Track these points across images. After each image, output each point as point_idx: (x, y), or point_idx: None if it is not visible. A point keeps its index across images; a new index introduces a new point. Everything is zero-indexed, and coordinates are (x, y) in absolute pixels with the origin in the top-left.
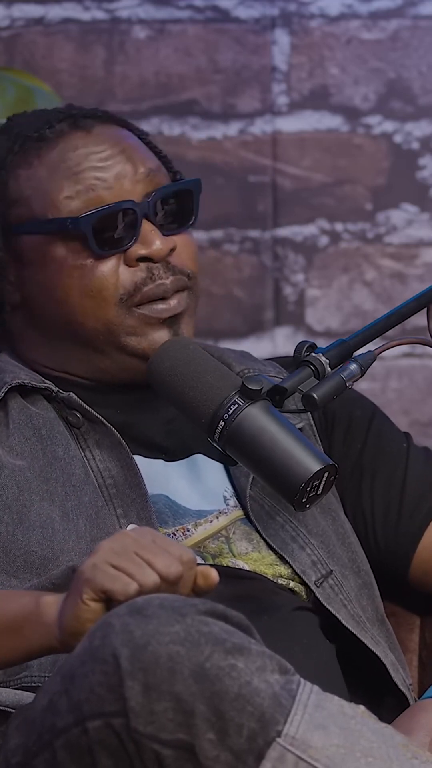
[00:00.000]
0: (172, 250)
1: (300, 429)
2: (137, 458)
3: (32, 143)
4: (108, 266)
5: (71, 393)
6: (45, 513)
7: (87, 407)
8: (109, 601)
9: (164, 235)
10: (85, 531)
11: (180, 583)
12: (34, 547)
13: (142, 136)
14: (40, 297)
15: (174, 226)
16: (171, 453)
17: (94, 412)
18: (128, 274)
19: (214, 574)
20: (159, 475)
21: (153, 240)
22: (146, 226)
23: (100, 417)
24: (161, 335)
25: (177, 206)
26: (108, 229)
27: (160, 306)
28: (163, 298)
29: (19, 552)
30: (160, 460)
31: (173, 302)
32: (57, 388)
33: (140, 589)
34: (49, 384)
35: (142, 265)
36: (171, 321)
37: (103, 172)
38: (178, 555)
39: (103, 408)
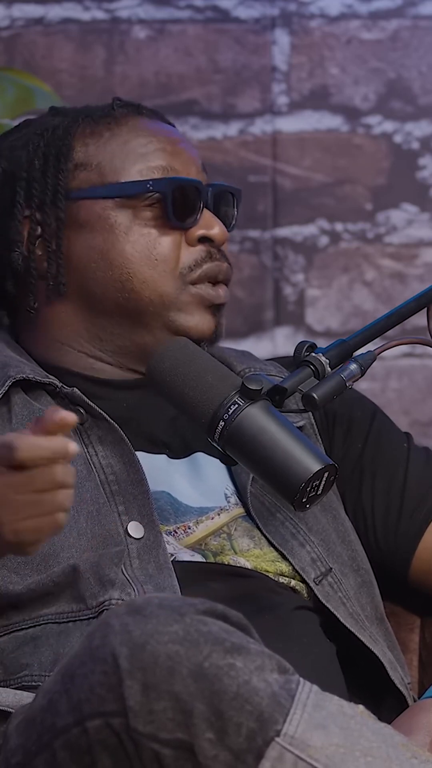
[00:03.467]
0: (226, 240)
1: (300, 428)
2: (140, 454)
3: (99, 118)
4: (173, 239)
5: (75, 388)
6: None
7: (90, 403)
8: None
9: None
10: (86, 527)
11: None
12: None
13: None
14: (91, 263)
15: (224, 224)
16: (174, 449)
17: (98, 408)
18: (189, 252)
19: (67, 417)
20: (161, 472)
21: (214, 224)
22: (206, 212)
23: (104, 413)
24: (207, 319)
25: (227, 206)
26: (179, 204)
27: (214, 292)
28: (215, 281)
29: None
30: (163, 456)
31: (221, 292)
32: (61, 384)
33: (65, 511)
34: (53, 379)
35: (201, 246)
36: (216, 309)
37: (175, 155)
38: (17, 458)
39: (107, 403)
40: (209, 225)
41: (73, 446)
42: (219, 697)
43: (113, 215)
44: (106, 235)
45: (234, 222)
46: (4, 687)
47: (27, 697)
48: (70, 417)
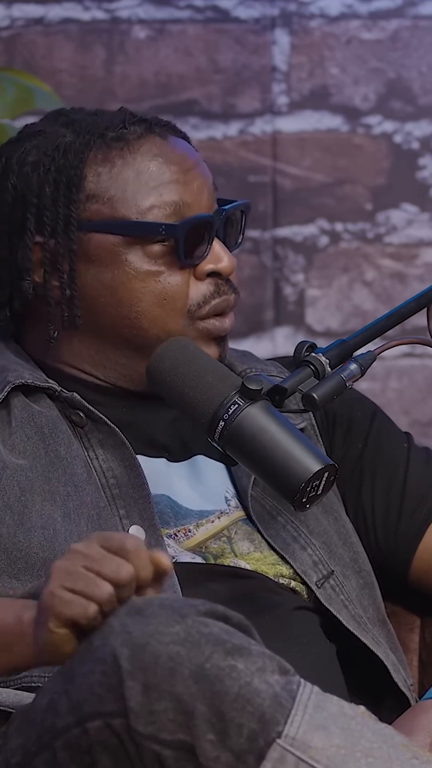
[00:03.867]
0: (234, 269)
1: (302, 429)
2: (139, 458)
3: (111, 142)
4: (182, 277)
5: (74, 393)
6: (47, 513)
7: (90, 407)
8: (75, 624)
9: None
10: (87, 531)
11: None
12: (35, 549)
13: (198, 151)
14: (100, 298)
15: (233, 245)
16: (173, 453)
17: (98, 412)
18: (198, 287)
19: (165, 559)
20: (161, 476)
21: (222, 256)
22: (216, 243)
23: (104, 417)
24: (212, 351)
25: (237, 225)
26: (190, 241)
27: (220, 324)
28: (222, 314)
29: (20, 554)
30: (163, 460)
31: (227, 321)
32: (60, 387)
33: (99, 606)
34: (52, 383)
35: (210, 279)
36: (221, 340)
37: (187, 186)
38: (121, 546)
39: (107, 407)
40: (218, 259)
41: (156, 591)
42: (220, 698)
43: (123, 252)
44: (115, 272)
45: (242, 236)
46: (4, 687)
47: (27, 697)
48: (167, 565)
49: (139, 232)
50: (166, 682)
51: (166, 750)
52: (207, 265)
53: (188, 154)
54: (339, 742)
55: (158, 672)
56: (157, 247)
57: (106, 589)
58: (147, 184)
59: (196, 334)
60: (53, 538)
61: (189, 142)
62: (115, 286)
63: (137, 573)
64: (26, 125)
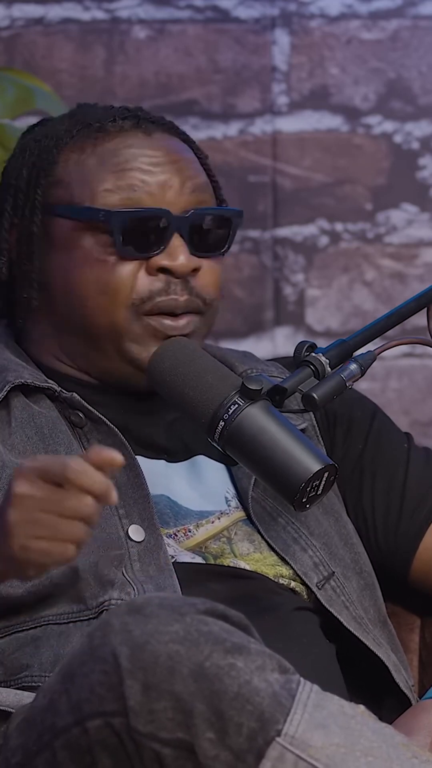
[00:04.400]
0: (195, 270)
1: (303, 429)
2: (139, 459)
3: (91, 131)
4: (129, 268)
5: (74, 393)
6: None
7: (89, 407)
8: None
9: (193, 254)
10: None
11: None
12: None
13: (200, 154)
14: (59, 282)
15: (205, 249)
16: (172, 454)
17: (97, 413)
18: (146, 281)
19: (114, 456)
20: (160, 476)
21: (178, 255)
22: (176, 241)
23: (103, 417)
24: None
25: (213, 231)
26: (138, 233)
27: (168, 322)
28: (173, 314)
29: None
30: (162, 461)
31: (182, 322)
32: (60, 388)
33: (77, 545)
34: (52, 384)
35: (162, 276)
36: None
37: (150, 176)
38: (63, 477)
39: (106, 408)
40: (172, 256)
41: (114, 496)
42: (219, 697)
43: (78, 237)
44: (69, 256)
45: (227, 246)
46: (4, 687)
47: (27, 697)
48: (117, 457)
49: (85, 217)
50: (165, 681)
51: (165, 749)
52: (160, 261)
53: (168, 151)
54: (339, 741)
55: (158, 671)
56: (105, 235)
57: (78, 528)
58: (107, 170)
59: (141, 330)
60: None
61: (190, 143)
62: (67, 271)
63: (94, 492)
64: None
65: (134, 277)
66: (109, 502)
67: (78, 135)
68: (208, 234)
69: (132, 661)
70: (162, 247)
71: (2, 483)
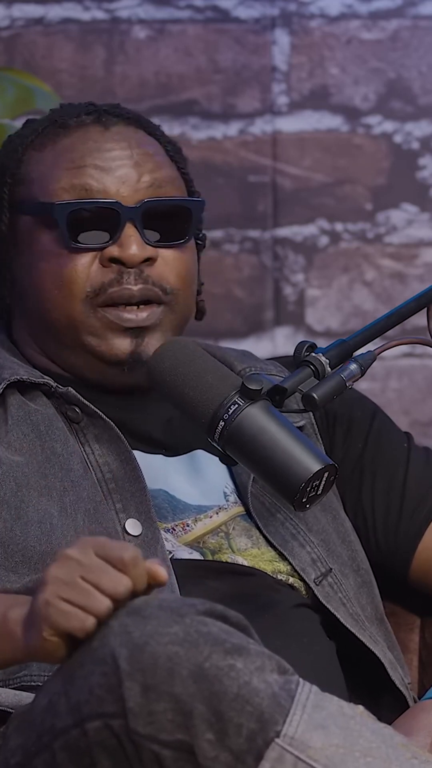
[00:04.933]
0: (150, 259)
1: (301, 427)
2: (136, 453)
3: (55, 128)
4: (82, 261)
5: (69, 388)
6: (43, 508)
7: (85, 402)
8: (70, 635)
9: (150, 244)
10: (84, 526)
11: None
12: (32, 543)
13: (169, 147)
14: (23, 280)
15: (163, 239)
16: (171, 448)
17: (93, 407)
18: (99, 273)
19: (162, 572)
20: (158, 471)
21: (130, 244)
22: (129, 231)
23: (99, 411)
24: (122, 343)
25: (171, 220)
26: (87, 225)
27: (125, 314)
28: (128, 305)
29: (17, 547)
30: (160, 456)
31: (143, 314)
32: (55, 384)
33: (97, 620)
34: (48, 379)
35: (115, 267)
36: (135, 332)
37: (104, 172)
38: (119, 558)
39: (101, 404)
40: (124, 245)
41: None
42: (219, 698)
43: (35, 233)
44: (28, 252)
45: (188, 236)
46: (3, 686)
47: (27, 697)
48: (163, 577)
49: (40, 212)
50: (164, 683)
51: (165, 750)
52: (111, 252)
53: (126, 145)
54: (338, 742)
55: (157, 672)
56: (59, 230)
57: (104, 604)
58: (61, 167)
59: (97, 322)
60: (50, 532)
61: (157, 136)
62: (28, 268)
63: (134, 586)
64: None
65: (87, 270)
66: (141, 589)
67: (43, 133)
68: (166, 224)
69: (131, 662)
70: (114, 239)
71: None
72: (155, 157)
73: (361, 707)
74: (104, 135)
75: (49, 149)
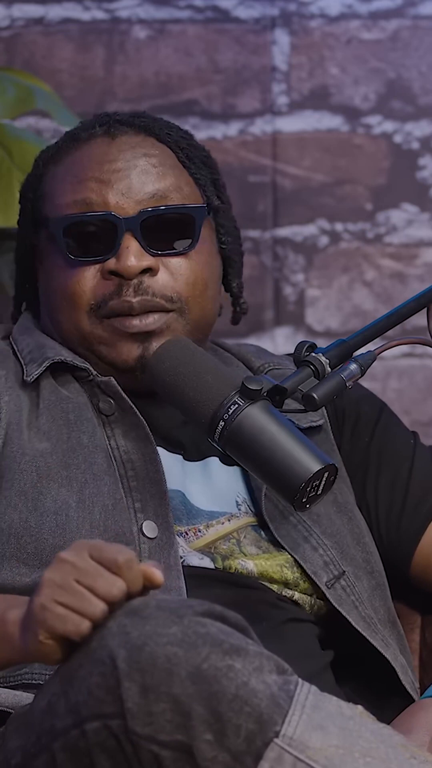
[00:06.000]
0: (149, 270)
1: (319, 426)
2: (159, 450)
3: (68, 143)
4: (84, 274)
5: (111, 378)
6: (61, 499)
7: (123, 395)
8: (65, 637)
9: (153, 254)
10: (100, 521)
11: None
12: (45, 535)
13: (180, 152)
14: (42, 293)
15: (166, 248)
16: (188, 452)
17: (129, 402)
18: (100, 286)
19: (157, 575)
20: (177, 472)
21: (128, 256)
22: (127, 242)
23: (134, 407)
24: (130, 348)
25: (173, 228)
26: (86, 238)
27: (128, 321)
28: (130, 315)
29: (30, 539)
30: (179, 456)
31: (148, 320)
32: (95, 372)
33: (92, 623)
34: (88, 366)
35: (115, 279)
36: (142, 337)
37: (104, 185)
38: (113, 560)
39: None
40: (122, 257)
41: (152, 595)
42: (218, 699)
43: (47, 248)
44: (44, 267)
45: (193, 242)
46: (4, 683)
47: (26, 697)
48: (159, 580)
49: (48, 227)
50: (163, 683)
51: (163, 751)
52: (110, 265)
53: (132, 155)
54: (337, 742)
55: (155, 673)
56: (59, 244)
57: (99, 607)
58: (68, 181)
59: (104, 331)
60: (65, 525)
61: (169, 142)
62: (43, 282)
63: (129, 588)
64: None
65: (90, 283)
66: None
67: (61, 147)
68: (171, 232)
69: (130, 663)
70: (114, 251)
71: (20, 469)
72: (160, 167)
73: (360, 707)
74: (110, 146)
75: (62, 164)
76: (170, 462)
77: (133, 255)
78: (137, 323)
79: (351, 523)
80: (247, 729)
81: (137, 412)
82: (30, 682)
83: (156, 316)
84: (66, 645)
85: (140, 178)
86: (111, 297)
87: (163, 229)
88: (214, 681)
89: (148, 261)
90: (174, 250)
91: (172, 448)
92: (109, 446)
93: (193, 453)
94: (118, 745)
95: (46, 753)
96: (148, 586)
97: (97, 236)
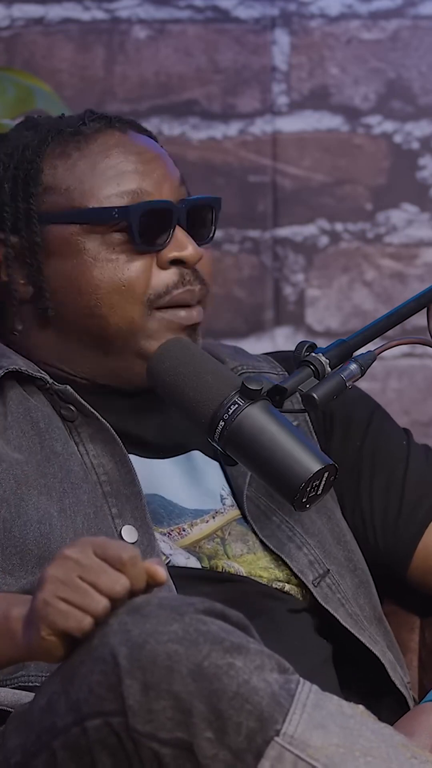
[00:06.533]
0: (200, 259)
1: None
2: (131, 457)
3: (68, 136)
4: (142, 264)
5: (67, 386)
6: (43, 508)
7: (82, 401)
8: (68, 634)
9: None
10: (83, 529)
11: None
12: (30, 546)
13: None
14: (62, 289)
15: (200, 237)
16: (166, 451)
17: (89, 407)
18: (160, 276)
19: (161, 572)
20: (153, 476)
21: (186, 244)
22: (179, 231)
23: (95, 412)
24: None
25: (203, 219)
26: (148, 227)
27: (183, 313)
28: (187, 306)
29: (15, 549)
30: (155, 460)
31: (194, 312)
32: (52, 380)
33: (94, 620)
34: (44, 375)
35: (174, 268)
36: (191, 330)
37: (147, 176)
38: (117, 557)
39: (96, 407)
40: (181, 246)
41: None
42: (218, 697)
43: (81, 241)
44: (74, 261)
45: (212, 233)
46: (1, 687)
47: (26, 696)
48: (162, 577)
49: (95, 219)
50: (164, 681)
51: (164, 748)
52: (169, 253)
53: (149, 147)
54: (338, 741)
55: (156, 670)
56: (115, 235)
57: (102, 604)
58: (104, 174)
59: (157, 325)
60: (49, 534)
61: (155, 140)
62: (75, 276)
63: (132, 586)
64: None
65: (149, 273)
66: (140, 589)
67: (53, 142)
68: (201, 223)
69: (131, 660)
70: (168, 239)
71: None
72: (169, 157)
73: (361, 707)
74: (125, 139)
75: (77, 157)
76: (144, 468)
77: (190, 243)
78: (190, 316)
79: (330, 523)
80: (248, 727)
81: (98, 416)
82: (26, 684)
83: (198, 308)
84: (68, 642)
85: (164, 169)
86: (176, 286)
87: (197, 219)
88: (214, 679)
89: (201, 249)
90: (204, 240)
91: (145, 453)
92: (79, 452)
93: (170, 451)
94: (118, 742)
95: (46, 751)
96: (152, 583)
97: (154, 225)
